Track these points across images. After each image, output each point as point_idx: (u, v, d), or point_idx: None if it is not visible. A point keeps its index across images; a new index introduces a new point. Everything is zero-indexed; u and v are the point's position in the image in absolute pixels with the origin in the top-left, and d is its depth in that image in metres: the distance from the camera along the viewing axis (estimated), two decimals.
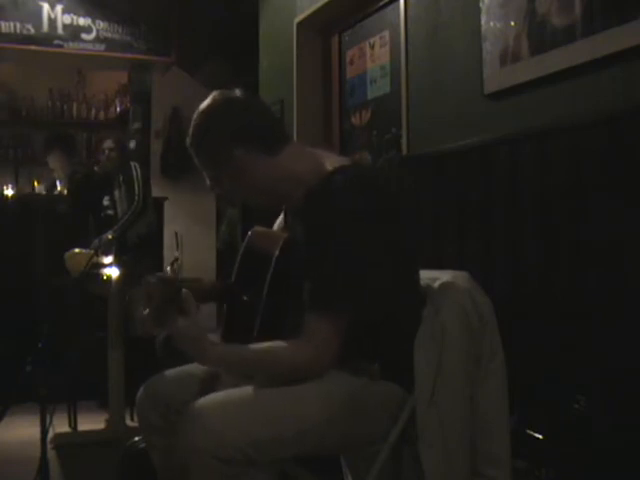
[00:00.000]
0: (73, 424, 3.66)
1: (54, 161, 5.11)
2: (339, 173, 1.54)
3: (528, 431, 2.00)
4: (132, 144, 6.01)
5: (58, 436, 3.42)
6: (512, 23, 2.53)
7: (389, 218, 1.59)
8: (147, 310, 1.47)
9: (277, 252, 1.62)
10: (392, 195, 1.67)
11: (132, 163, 4.62)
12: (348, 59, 4.06)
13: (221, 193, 1.72)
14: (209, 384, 1.69)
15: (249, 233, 1.81)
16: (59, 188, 5.15)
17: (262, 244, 1.72)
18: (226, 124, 1.60)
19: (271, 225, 1.90)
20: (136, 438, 2.31)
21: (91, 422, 3.68)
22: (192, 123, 1.64)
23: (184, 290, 1.49)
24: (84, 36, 5.58)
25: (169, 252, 5.31)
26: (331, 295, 1.46)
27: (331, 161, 1.60)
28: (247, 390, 1.51)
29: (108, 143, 4.62)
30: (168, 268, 1.52)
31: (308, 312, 1.47)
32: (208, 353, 1.50)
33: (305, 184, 1.56)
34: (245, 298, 1.70)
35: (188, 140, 1.65)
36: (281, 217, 1.86)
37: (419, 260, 1.68)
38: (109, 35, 5.65)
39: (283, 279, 1.59)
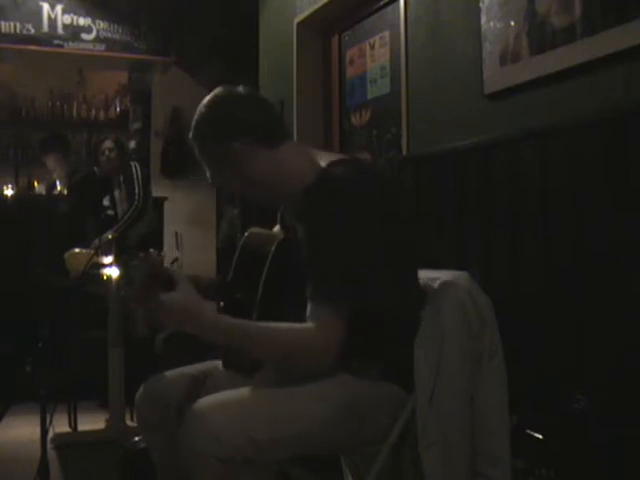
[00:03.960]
0: (73, 424, 3.66)
1: (51, 162, 5.12)
2: (334, 166, 1.55)
3: (528, 431, 2.00)
4: (132, 144, 6.02)
5: (58, 436, 3.42)
6: (512, 23, 2.53)
7: (386, 208, 1.58)
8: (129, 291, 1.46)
9: (272, 253, 1.63)
10: (389, 187, 1.67)
11: (132, 163, 4.62)
12: (348, 59, 4.06)
13: (221, 186, 1.73)
14: (201, 383, 1.70)
15: (245, 234, 1.82)
16: (59, 188, 5.16)
17: (258, 245, 1.73)
18: (226, 116, 1.62)
19: (269, 225, 1.91)
20: (136, 438, 2.31)
21: (91, 422, 3.68)
22: (195, 115, 1.67)
23: (172, 267, 1.48)
24: (84, 36, 5.58)
25: (169, 252, 5.31)
26: (332, 284, 1.45)
27: (325, 158, 1.61)
28: (247, 390, 1.51)
29: (108, 143, 4.61)
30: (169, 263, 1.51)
31: (310, 303, 1.46)
32: (203, 322, 1.46)
33: (303, 182, 1.57)
34: (238, 296, 1.70)
35: (190, 132, 1.67)
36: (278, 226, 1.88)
37: (419, 259, 1.68)
38: (109, 35, 5.65)
39: (278, 280, 1.60)
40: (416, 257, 1.68)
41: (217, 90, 1.67)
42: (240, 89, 1.67)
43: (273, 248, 1.64)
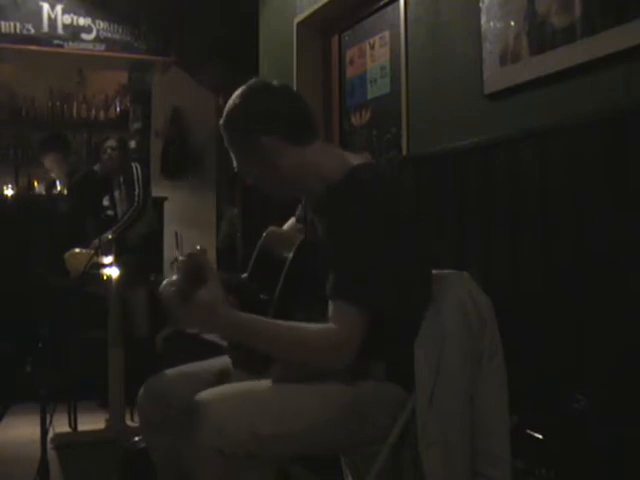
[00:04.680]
0: (73, 424, 3.65)
1: (50, 162, 5.12)
2: (362, 168, 1.57)
3: (528, 431, 2.00)
4: (132, 144, 6.02)
5: (58, 436, 3.42)
6: (512, 23, 2.53)
7: (405, 211, 1.60)
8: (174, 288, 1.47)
9: (292, 254, 1.63)
10: (406, 191, 1.68)
11: (133, 164, 4.62)
12: (348, 59, 4.06)
13: (246, 176, 1.72)
14: (212, 384, 1.69)
15: (264, 234, 1.81)
16: (59, 188, 5.16)
17: (277, 245, 1.73)
18: (258, 110, 1.62)
19: (278, 223, 1.91)
20: (136, 438, 2.31)
21: (91, 422, 3.68)
22: (227, 105, 1.67)
23: (202, 258, 1.48)
24: (84, 36, 5.57)
25: (169, 252, 5.31)
26: (358, 283, 1.46)
27: (355, 159, 1.62)
28: (251, 385, 1.52)
29: (111, 142, 4.62)
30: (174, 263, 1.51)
31: (334, 300, 1.47)
32: (224, 319, 1.47)
33: (328, 179, 1.58)
34: (262, 296, 1.70)
35: (221, 120, 1.68)
36: (292, 220, 1.88)
37: (432, 260, 1.68)
38: (109, 35, 5.65)
39: (296, 281, 1.60)
40: (430, 258, 1.68)
41: (252, 82, 1.67)
42: (275, 83, 1.68)
43: (291, 253, 1.64)
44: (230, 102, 1.66)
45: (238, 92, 1.66)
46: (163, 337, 3.48)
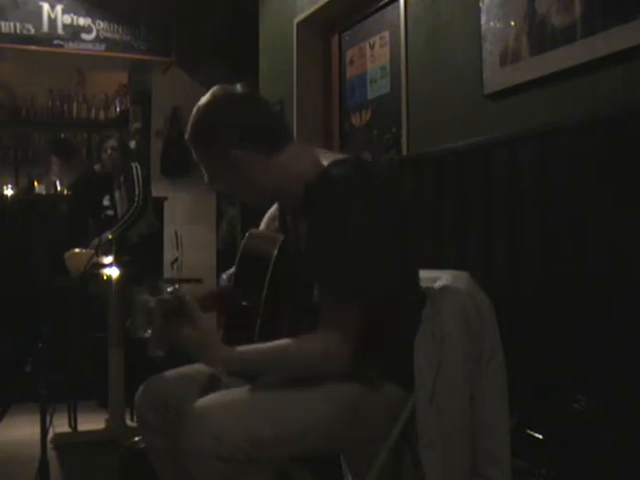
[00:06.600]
0: (73, 424, 3.66)
1: (55, 166, 5.11)
2: (334, 166, 1.53)
3: (528, 431, 2.00)
4: (132, 144, 6.03)
5: (58, 436, 3.42)
6: (512, 23, 2.53)
7: (385, 206, 1.56)
8: (148, 332, 1.46)
9: (275, 254, 1.62)
10: (388, 186, 1.64)
11: (133, 164, 4.62)
12: (348, 59, 4.06)
13: (219, 189, 1.71)
14: (211, 386, 1.69)
15: (246, 235, 1.80)
16: (59, 188, 5.16)
17: (259, 246, 1.71)
18: (225, 122, 1.57)
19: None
20: (136, 438, 2.31)
21: (91, 422, 3.68)
22: (191, 118, 1.61)
23: (187, 298, 1.46)
24: (84, 36, 5.58)
25: (169, 252, 5.32)
26: (348, 282, 1.44)
27: (327, 157, 1.59)
28: (247, 389, 1.51)
29: (112, 142, 4.62)
30: (169, 289, 1.47)
31: (325, 301, 1.45)
32: (221, 355, 1.46)
33: (304, 182, 1.56)
34: (244, 303, 1.69)
35: (187, 135, 1.62)
36: (267, 217, 1.86)
37: (419, 259, 1.68)
38: (109, 35, 5.66)
39: (281, 281, 1.59)
40: (416, 256, 1.67)
41: (215, 91, 1.59)
42: (239, 89, 1.59)
43: (276, 250, 1.63)
44: (195, 114, 1.59)
45: (202, 103, 1.59)
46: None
